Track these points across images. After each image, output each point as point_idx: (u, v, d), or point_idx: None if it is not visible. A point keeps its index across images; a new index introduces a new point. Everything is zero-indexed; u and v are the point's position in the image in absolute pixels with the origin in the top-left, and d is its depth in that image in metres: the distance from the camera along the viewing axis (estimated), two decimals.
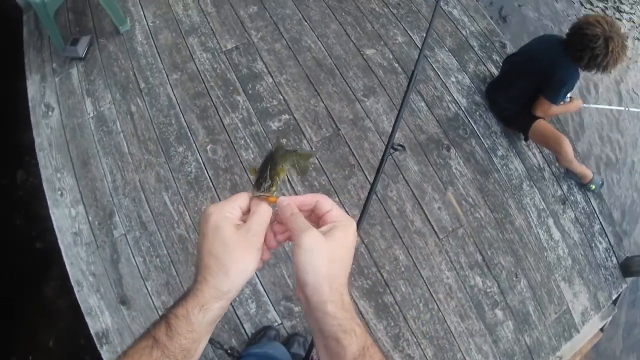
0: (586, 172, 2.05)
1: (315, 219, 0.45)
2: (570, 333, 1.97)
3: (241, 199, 0.45)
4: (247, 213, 0.45)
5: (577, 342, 2.13)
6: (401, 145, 1.01)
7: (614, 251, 2.17)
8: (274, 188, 0.47)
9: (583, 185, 2.10)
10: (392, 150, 1.05)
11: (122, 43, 2.02)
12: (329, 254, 0.41)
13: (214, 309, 0.41)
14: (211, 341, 0.79)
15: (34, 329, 1.89)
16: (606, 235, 2.18)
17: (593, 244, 2.12)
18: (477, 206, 1.78)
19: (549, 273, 1.96)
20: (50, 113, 1.98)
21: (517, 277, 1.89)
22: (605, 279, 2.10)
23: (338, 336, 0.40)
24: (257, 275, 1.58)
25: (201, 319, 0.40)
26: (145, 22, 2.05)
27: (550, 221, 2.00)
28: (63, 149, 1.88)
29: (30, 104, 2.03)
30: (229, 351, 0.77)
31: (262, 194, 0.46)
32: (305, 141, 1.69)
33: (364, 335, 0.40)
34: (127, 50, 1.99)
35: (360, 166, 1.67)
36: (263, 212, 0.44)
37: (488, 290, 1.80)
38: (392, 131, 1.02)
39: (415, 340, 1.68)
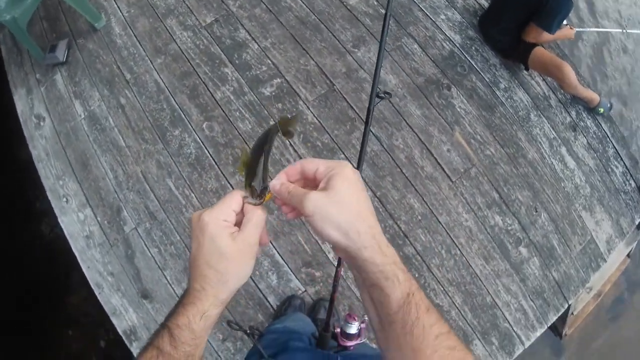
0: (592, 95, 1.94)
1: (311, 184, 0.43)
2: (598, 263, 1.89)
3: (234, 202, 0.43)
4: (240, 213, 0.43)
5: (605, 271, 2.05)
6: (387, 93, 0.92)
7: (631, 174, 2.07)
8: (268, 196, 0.44)
9: (591, 109, 1.99)
10: (377, 100, 0.96)
11: (100, 39, 1.93)
12: (337, 204, 0.38)
13: (213, 316, 0.41)
14: (229, 323, 0.73)
15: (66, 339, 1.85)
16: (621, 159, 2.07)
17: (609, 169, 2.02)
18: (486, 143, 1.69)
19: (569, 204, 1.87)
20: (42, 123, 1.91)
21: (537, 212, 1.80)
22: (626, 204, 2.00)
23: (381, 284, 0.37)
24: (273, 246, 1.51)
25: (202, 325, 0.40)
26: (121, 14, 1.95)
27: (563, 150, 1.90)
28: (61, 155, 1.81)
29: (20, 118, 1.95)
30: (248, 331, 0.70)
31: (256, 201, 0.43)
32: (300, 102, 1.60)
33: (408, 281, 0.38)
34: (107, 45, 1.90)
35: (361, 118, 1.58)
36: (258, 219, 0.42)
37: (509, 228, 1.72)
38: (374, 79, 0.92)
39: (442, 288, 1.61)
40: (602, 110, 2.00)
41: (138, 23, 1.90)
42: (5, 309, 1.75)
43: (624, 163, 2.07)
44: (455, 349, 0.37)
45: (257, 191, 0.43)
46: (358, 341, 0.87)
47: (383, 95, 0.92)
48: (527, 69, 1.86)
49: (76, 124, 1.83)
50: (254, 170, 0.44)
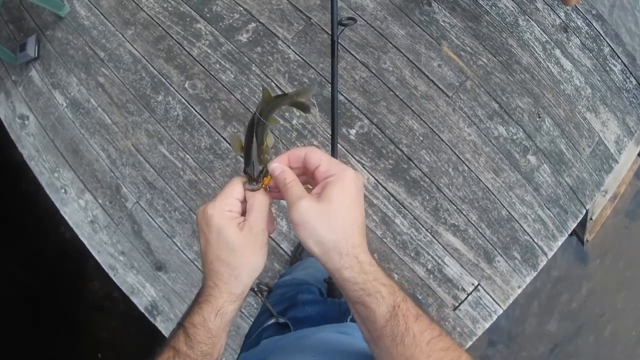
0: None
1: (310, 176, 0.41)
2: (609, 164, 1.81)
3: (236, 190, 0.41)
4: (245, 201, 0.41)
5: (618, 172, 1.98)
6: (350, 19, 0.82)
7: (630, 72, 1.98)
8: (267, 179, 0.41)
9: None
10: (341, 28, 0.84)
11: (68, 25, 1.86)
12: (326, 220, 0.36)
13: (230, 312, 0.39)
14: None
15: (92, 327, 1.84)
16: (618, 57, 1.98)
17: (607, 68, 1.93)
18: (477, 54, 1.61)
19: (572, 106, 1.79)
20: (26, 122, 1.85)
21: (540, 117, 1.73)
22: (630, 102, 1.92)
23: (363, 300, 0.36)
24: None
25: (218, 323, 0.39)
26: None
27: (558, 52, 1.81)
28: (50, 148, 1.75)
29: (5, 123, 1.90)
30: (255, 289, 0.65)
31: (255, 187, 0.41)
32: (280, 42, 1.53)
33: (393, 294, 0.36)
34: (76, 30, 1.83)
35: (345, 47, 1.50)
36: (261, 206, 0.40)
37: (514, 137, 1.65)
38: (332, 6, 0.82)
39: (455, 208, 1.55)
40: None
41: (102, 1, 1.82)
42: (27, 306, 1.74)
43: (622, 61, 1.97)
44: (449, 349, 0.36)
45: (254, 176, 0.41)
46: None
47: (346, 22, 0.82)
48: None
49: (60, 113, 1.77)
50: (248, 155, 0.41)
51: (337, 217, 0.36)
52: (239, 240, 0.38)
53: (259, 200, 0.40)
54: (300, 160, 0.40)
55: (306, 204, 0.36)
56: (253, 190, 0.40)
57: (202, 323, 0.38)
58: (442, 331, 0.37)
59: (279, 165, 0.39)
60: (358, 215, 0.38)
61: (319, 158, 0.38)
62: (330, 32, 0.83)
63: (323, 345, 0.53)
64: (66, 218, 1.66)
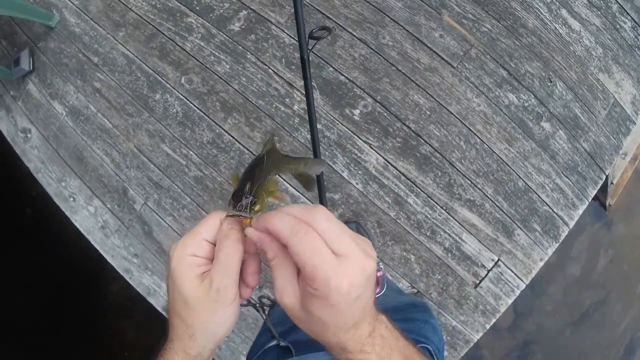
0: None
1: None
2: (627, 126, 1.73)
3: (207, 228, 0.33)
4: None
5: (636, 134, 1.89)
6: (324, 28, 0.67)
7: None
8: (257, 207, 0.33)
9: None
10: (311, 42, 0.69)
11: (59, 34, 1.84)
12: (307, 327, 0.32)
13: None
14: None
15: (116, 328, 1.85)
16: (627, 13, 1.87)
17: (617, 26, 1.83)
18: (480, 20, 1.54)
19: (583, 68, 1.71)
20: (29, 135, 1.85)
21: (551, 82, 1.65)
22: None
23: None
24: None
25: None
26: (71, 4, 1.84)
27: (564, 12, 1.72)
28: (55, 158, 1.75)
29: (8, 138, 1.90)
30: (257, 305, 0.58)
31: (236, 213, 0.32)
32: (273, 27, 1.48)
33: None
34: (67, 38, 1.81)
35: (341, 26, 1.45)
36: (229, 257, 0.31)
37: (526, 104, 1.58)
38: (297, 19, 0.68)
39: (469, 182, 1.50)
40: None
41: (90, 6, 1.79)
42: (49, 312, 1.76)
43: (632, 17, 1.87)
44: None
45: (242, 204, 0.32)
46: (377, 292, 0.78)
47: (318, 34, 0.67)
48: None
49: (60, 123, 1.76)
50: (245, 183, 0.34)
51: (317, 330, 0.32)
52: (193, 295, 0.32)
53: (229, 250, 0.32)
54: (281, 241, 0.31)
55: (288, 301, 0.31)
56: (232, 216, 0.33)
57: None
58: None
59: (255, 234, 0.31)
60: (346, 320, 0.31)
61: (302, 263, 0.29)
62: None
63: None
64: (77, 226, 1.66)
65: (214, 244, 0.33)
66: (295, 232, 0.29)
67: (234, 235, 0.32)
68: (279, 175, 0.38)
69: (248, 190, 0.33)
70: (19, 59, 1.91)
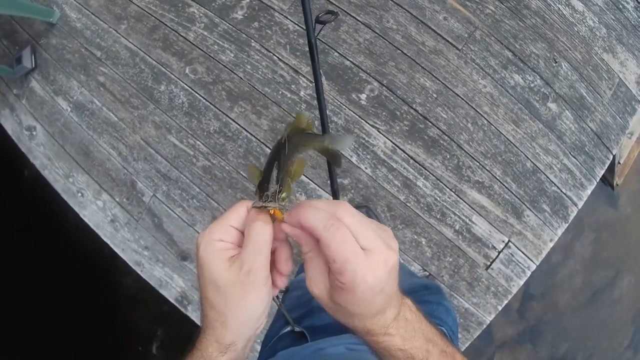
0: None
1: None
2: (633, 106, 1.72)
3: (235, 216, 0.33)
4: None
5: None
6: (330, 12, 0.67)
7: None
8: (284, 194, 0.33)
9: None
10: (318, 27, 0.71)
11: (60, 30, 1.83)
12: (337, 315, 0.33)
13: None
14: None
15: (130, 321, 1.86)
16: None
17: (620, 6, 1.81)
18: (483, 2, 1.52)
19: (588, 48, 1.70)
20: (34, 133, 1.85)
21: (556, 62, 1.64)
22: None
23: (379, 357, 0.36)
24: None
25: None
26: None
27: None
28: (62, 154, 1.75)
29: (13, 137, 1.90)
30: None
31: (262, 204, 0.32)
32: (276, 14, 1.47)
33: (411, 357, 0.34)
34: (69, 34, 1.80)
35: (345, 10, 1.44)
36: (259, 237, 0.31)
37: (531, 85, 1.57)
38: (305, 10, 0.69)
39: (477, 164, 1.49)
40: None
41: (91, 0, 1.78)
42: (67, 310, 1.77)
43: None
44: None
45: (268, 194, 0.32)
46: None
47: (324, 18, 0.69)
48: None
49: (65, 119, 1.75)
50: (269, 173, 0.34)
51: (346, 318, 0.34)
52: (223, 278, 0.31)
53: (258, 230, 0.32)
54: (312, 235, 0.32)
55: (319, 293, 0.33)
56: (259, 207, 0.32)
57: None
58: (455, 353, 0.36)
59: (291, 229, 0.32)
60: (372, 309, 0.33)
61: (332, 258, 0.30)
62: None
63: None
64: (86, 221, 1.66)
65: (242, 232, 0.34)
66: (328, 227, 0.30)
67: (264, 217, 0.33)
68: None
69: (269, 179, 0.33)
70: (21, 57, 1.90)
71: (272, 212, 0.33)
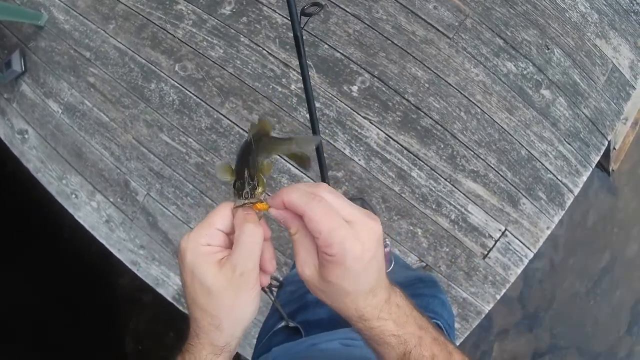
0: None
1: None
2: (627, 91, 1.71)
3: (220, 218, 0.34)
4: (232, 232, 0.34)
5: (637, 98, 1.88)
6: (316, 4, 0.68)
7: None
8: (260, 189, 0.34)
9: None
10: (304, 19, 0.70)
11: (49, 33, 1.81)
12: (328, 296, 0.33)
13: None
14: None
15: (129, 321, 1.86)
16: None
17: None
18: None
19: (580, 34, 1.68)
20: (26, 136, 1.84)
21: (549, 49, 1.63)
22: (639, 24, 1.80)
23: (374, 348, 0.36)
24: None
25: None
26: (59, 1, 1.81)
27: None
28: (54, 156, 1.74)
29: (5, 141, 1.89)
30: (265, 287, 0.59)
31: (246, 202, 0.33)
32: (265, 8, 1.46)
33: (404, 343, 0.34)
34: (57, 36, 1.79)
35: (333, 2, 1.42)
36: (250, 239, 0.32)
37: (524, 72, 1.56)
38: (289, 3, 0.69)
39: (472, 153, 1.48)
40: None
41: (78, 1, 1.76)
42: (66, 311, 1.76)
43: None
44: None
45: (247, 192, 0.34)
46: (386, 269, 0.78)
47: (310, 10, 0.69)
48: None
49: (57, 121, 1.74)
50: (242, 172, 0.35)
51: (339, 297, 0.33)
52: (216, 282, 0.32)
53: (250, 232, 0.32)
54: (298, 213, 0.32)
55: (309, 273, 0.33)
56: (242, 205, 0.33)
57: None
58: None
59: (278, 212, 0.33)
60: (362, 289, 0.33)
61: (318, 230, 0.31)
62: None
63: (336, 357, 0.50)
64: (81, 222, 1.65)
65: (227, 234, 0.34)
66: (309, 201, 0.31)
67: (253, 218, 0.33)
68: (279, 156, 0.38)
69: (247, 177, 0.34)
70: (10, 61, 1.88)
71: (257, 207, 0.34)
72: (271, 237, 0.36)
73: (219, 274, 0.32)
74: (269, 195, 0.35)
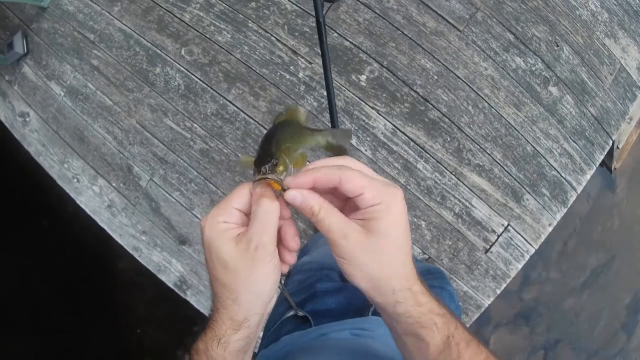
0: None
1: (342, 196, 0.33)
2: (633, 92, 1.70)
3: (237, 198, 0.34)
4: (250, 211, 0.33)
5: None
6: None
7: None
8: (281, 167, 0.33)
9: None
10: (327, 5, 0.70)
11: (51, 14, 1.77)
12: (380, 256, 0.32)
13: (235, 341, 0.34)
14: None
15: (128, 305, 1.85)
16: None
17: None
18: None
19: (589, 32, 1.67)
20: (27, 119, 1.80)
21: (558, 46, 1.61)
22: None
23: (417, 333, 0.33)
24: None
25: (222, 352, 0.34)
26: None
27: None
28: (56, 140, 1.71)
29: (6, 124, 1.85)
30: None
31: (262, 177, 0.33)
32: None
33: (447, 324, 0.33)
34: (61, 17, 1.74)
35: None
36: (265, 214, 0.32)
37: (533, 68, 1.55)
38: None
39: (478, 147, 1.47)
40: None
41: None
42: (63, 295, 1.75)
43: None
44: None
45: (266, 167, 0.33)
46: None
47: None
48: None
49: (59, 104, 1.71)
50: (266, 150, 0.34)
51: (390, 252, 0.32)
52: (232, 256, 0.32)
53: (263, 208, 0.32)
54: (330, 185, 0.32)
55: (354, 240, 0.31)
56: (258, 180, 0.33)
57: (204, 350, 0.34)
58: (490, 353, 0.35)
59: (297, 194, 0.32)
60: (408, 244, 0.33)
61: (361, 185, 0.31)
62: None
63: (346, 347, 0.49)
64: (83, 207, 1.63)
65: (245, 213, 0.34)
66: (342, 168, 0.31)
67: (270, 193, 0.33)
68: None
69: (269, 154, 0.34)
70: (12, 42, 1.84)
71: (272, 185, 0.33)
72: (291, 216, 0.35)
73: (235, 249, 0.32)
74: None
